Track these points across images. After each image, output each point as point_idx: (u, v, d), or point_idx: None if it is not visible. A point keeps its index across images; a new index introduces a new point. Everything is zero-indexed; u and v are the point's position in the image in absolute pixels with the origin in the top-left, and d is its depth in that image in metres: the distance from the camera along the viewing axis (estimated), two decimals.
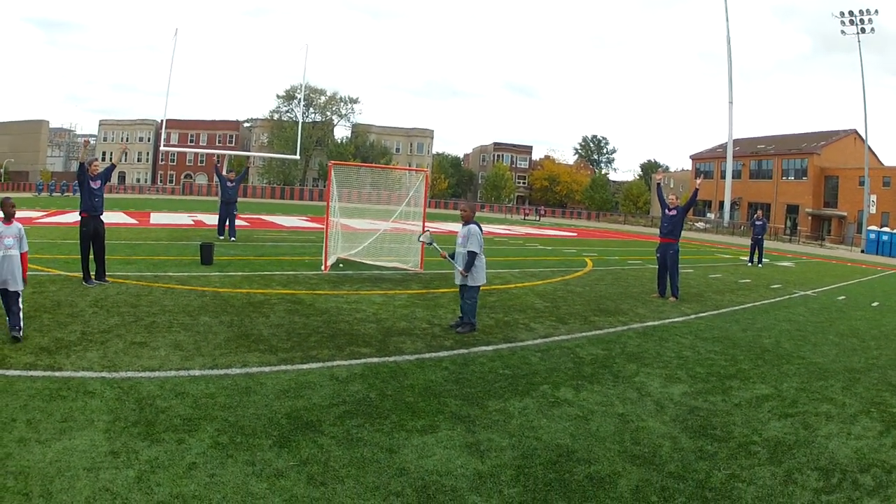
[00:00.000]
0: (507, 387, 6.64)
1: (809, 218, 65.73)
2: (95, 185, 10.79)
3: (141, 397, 5.54)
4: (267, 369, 6.61)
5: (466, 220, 9.25)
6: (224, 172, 21.70)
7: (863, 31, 57.04)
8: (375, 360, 7.29)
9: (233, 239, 19.58)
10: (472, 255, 8.91)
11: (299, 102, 78.83)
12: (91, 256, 10.75)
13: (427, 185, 16.50)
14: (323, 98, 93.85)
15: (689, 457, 5.11)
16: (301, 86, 55.98)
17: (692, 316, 11.62)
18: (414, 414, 5.65)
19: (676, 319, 11.17)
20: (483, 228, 9.38)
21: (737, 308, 12.92)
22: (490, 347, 8.28)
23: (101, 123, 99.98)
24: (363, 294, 11.57)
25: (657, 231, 13.83)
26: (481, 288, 9.32)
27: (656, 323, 10.74)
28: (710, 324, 10.96)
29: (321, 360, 7.08)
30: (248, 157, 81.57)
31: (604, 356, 8.21)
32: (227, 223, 20.03)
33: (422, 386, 6.46)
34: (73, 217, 27.19)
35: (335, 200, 15.43)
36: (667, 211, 13.91)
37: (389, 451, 4.83)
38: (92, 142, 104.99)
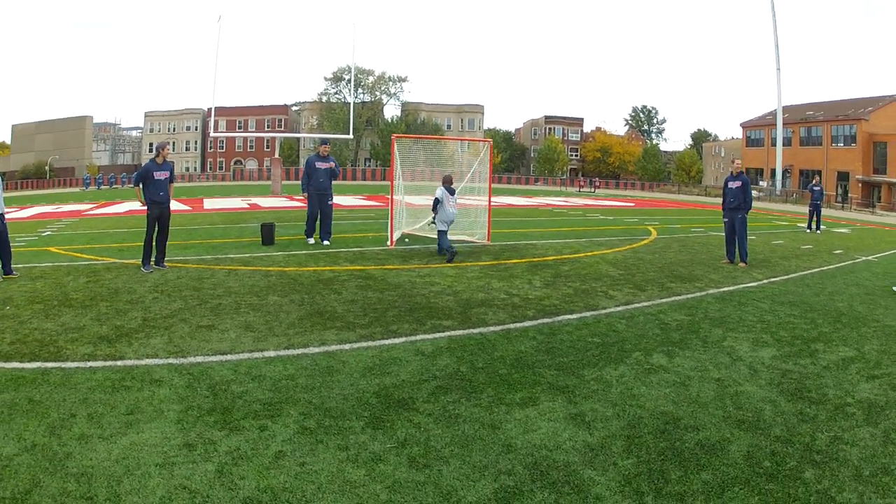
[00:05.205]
0: (600, 355, 6.38)
1: (860, 185, 63.59)
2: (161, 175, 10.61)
3: (214, 383, 5.26)
4: (347, 346, 6.39)
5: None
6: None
7: None
8: (459, 332, 7.05)
9: (325, 242, 14.22)
10: (434, 202, 12.77)
11: (348, 83, 78.58)
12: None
13: (491, 156, 16.23)
14: (371, 78, 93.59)
15: (791, 420, 4.90)
16: (350, 66, 55.27)
17: (764, 281, 11.26)
18: (510, 386, 5.40)
19: (750, 284, 10.83)
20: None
21: (805, 273, 12.51)
22: (574, 316, 8.02)
23: (147, 115, 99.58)
24: (434, 267, 11.38)
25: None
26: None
27: (732, 288, 10.39)
28: (783, 288, 10.59)
29: (403, 335, 6.86)
30: (298, 138, 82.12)
31: (689, 322, 7.94)
32: (321, 221, 14.38)
33: (513, 357, 6.21)
34: (123, 207, 27.76)
35: (399, 178, 15.19)
36: (730, 184, 13.54)
37: (492, 426, 4.58)
38: (136, 134, 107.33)
